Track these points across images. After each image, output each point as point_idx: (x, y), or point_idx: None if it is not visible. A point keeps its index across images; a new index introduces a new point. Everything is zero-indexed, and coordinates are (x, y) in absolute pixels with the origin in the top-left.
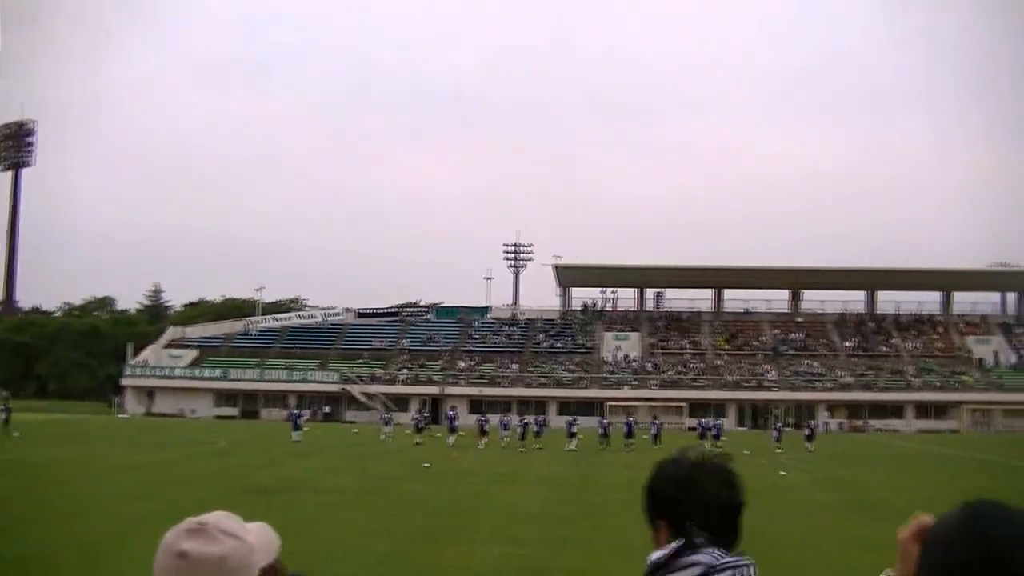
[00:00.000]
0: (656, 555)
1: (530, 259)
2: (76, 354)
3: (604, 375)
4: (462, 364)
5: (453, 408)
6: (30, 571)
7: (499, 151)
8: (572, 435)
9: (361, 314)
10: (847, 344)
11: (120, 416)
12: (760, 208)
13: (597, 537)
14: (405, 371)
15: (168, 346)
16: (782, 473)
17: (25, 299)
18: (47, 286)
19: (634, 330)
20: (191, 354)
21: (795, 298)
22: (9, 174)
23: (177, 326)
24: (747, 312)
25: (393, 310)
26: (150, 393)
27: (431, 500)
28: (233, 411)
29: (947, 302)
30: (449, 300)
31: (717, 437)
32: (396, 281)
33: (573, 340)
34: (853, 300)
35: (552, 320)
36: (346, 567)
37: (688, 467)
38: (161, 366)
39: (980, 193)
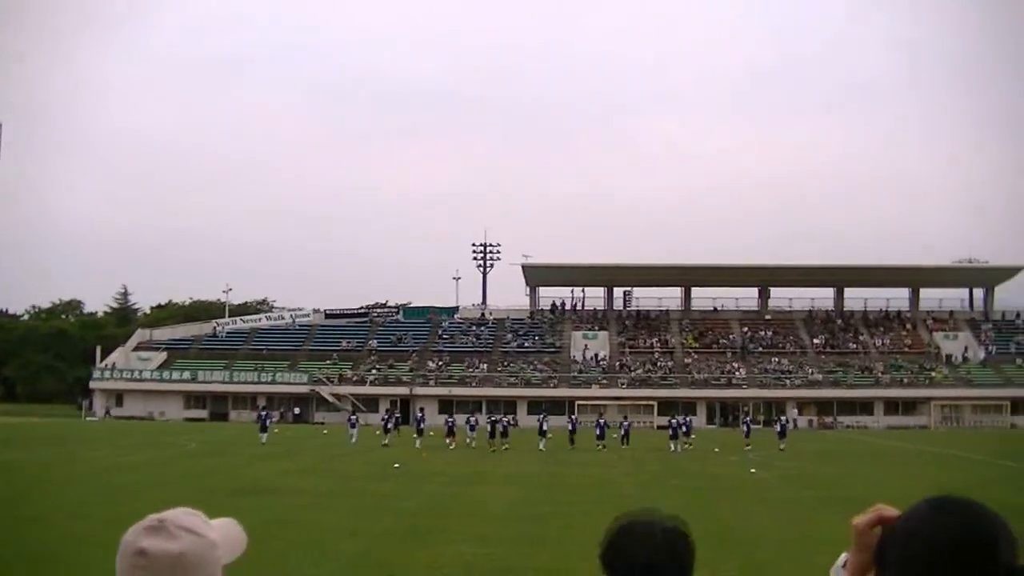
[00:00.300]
0: None
1: (498, 259)
2: (44, 357)
3: (573, 374)
4: (431, 364)
5: (421, 410)
6: None
7: (466, 150)
8: (543, 434)
9: (329, 315)
10: (816, 341)
11: (89, 419)
12: (729, 206)
13: (567, 536)
14: (374, 372)
15: (136, 349)
16: (752, 471)
17: None
18: (14, 289)
19: (603, 329)
20: (160, 356)
21: (763, 296)
22: None
23: (145, 328)
24: (716, 310)
25: (362, 311)
26: (119, 396)
27: (401, 500)
28: (202, 413)
29: (915, 298)
30: (417, 300)
31: (687, 434)
32: (364, 281)
33: (542, 339)
34: (821, 297)
35: (521, 320)
36: (316, 568)
37: (614, 533)
38: (130, 369)
39: (946, 190)
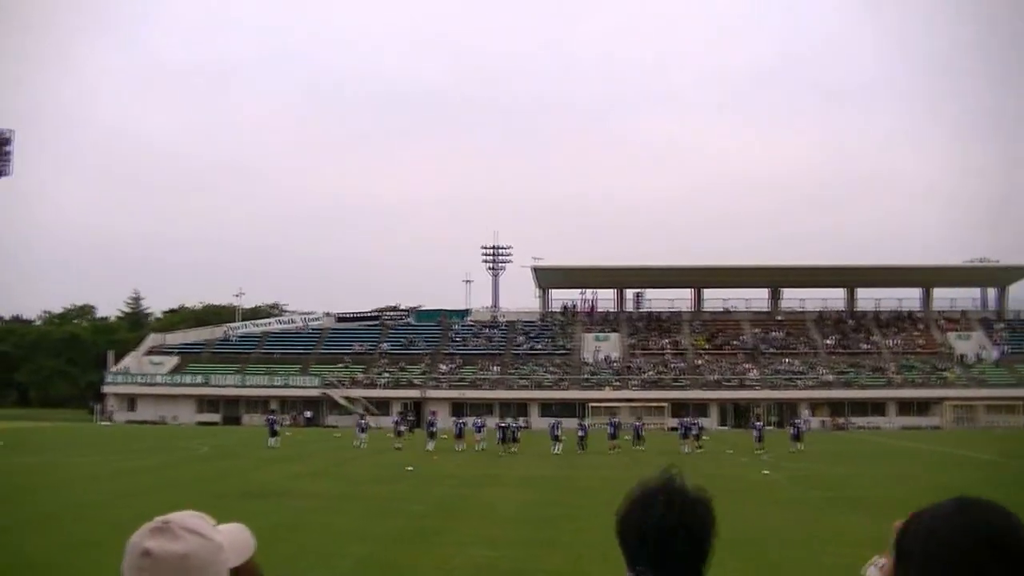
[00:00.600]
0: None
1: (509, 261)
2: (56, 362)
3: (585, 376)
4: (443, 367)
5: (433, 413)
6: None
7: (476, 154)
8: (556, 438)
9: (341, 318)
10: (827, 342)
11: (101, 423)
12: (738, 207)
13: (579, 539)
14: (386, 375)
15: (149, 353)
16: (764, 472)
17: (4, 308)
18: (27, 295)
19: (614, 331)
20: (172, 361)
21: (775, 297)
22: None
23: (157, 333)
24: (727, 311)
25: (373, 314)
26: (131, 400)
27: (411, 503)
28: (215, 417)
29: (927, 298)
30: (429, 303)
31: (698, 437)
32: (375, 285)
33: (553, 342)
34: (832, 298)
35: (532, 322)
36: (326, 571)
37: (629, 499)
38: (142, 373)
39: (958, 188)
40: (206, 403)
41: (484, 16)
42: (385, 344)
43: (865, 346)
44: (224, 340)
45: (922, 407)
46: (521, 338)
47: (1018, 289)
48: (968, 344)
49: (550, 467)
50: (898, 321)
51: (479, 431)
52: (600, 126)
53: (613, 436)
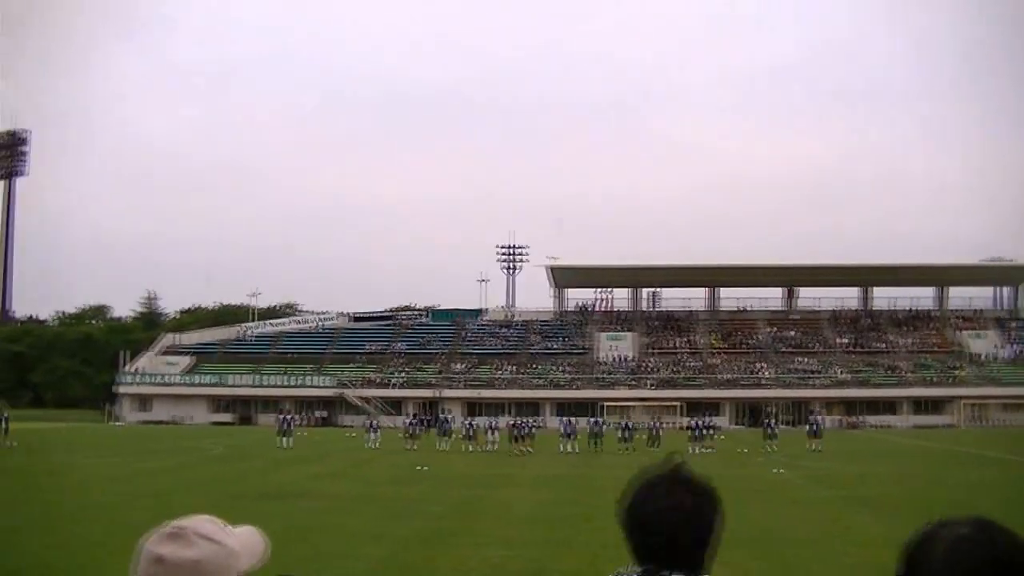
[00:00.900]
0: None
1: (524, 261)
2: (71, 363)
3: (599, 376)
4: (457, 367)
5: (443, 411)
6: None
7: (492, 152)
8: (568, 436)
9: (356, 318)
10: (842, 341)
11: (116, 424)
12: (753, 206)
13: (596, 539)
14: (400, 375)
15: (163, 353)
16: (778, 471)
17: (20, 308)
18: (42, 295)
19: (629, 330)
20: (186, 361)
21: (790, 296)
22: (2, 184)
23: (172, 333)
24: (742, 310)
25: (388, 314)
26: (145, 400)
27: (427, 504)
28: (229, 417)
29: (941, 297)
30: (444, 303)
31: (711, 436)
32: (390, 284)
33: (568, 341)
34: (848, 297)
35: (547, 321)
36: (341, 572)
37: (632, 487)
38: (156, 373)
39: (973, 186)
40: (220, 403)
41: (486, 16)
42: (400, 344)
43: (880, 345)
44: (238, 340)
45: (936, 405)
46: (536, 337)
47: None
48: (982, 343)
49: (564, 466)
50: (913, 320)
51: (492, 432)
52: (620, 126)
53: (626, 439)
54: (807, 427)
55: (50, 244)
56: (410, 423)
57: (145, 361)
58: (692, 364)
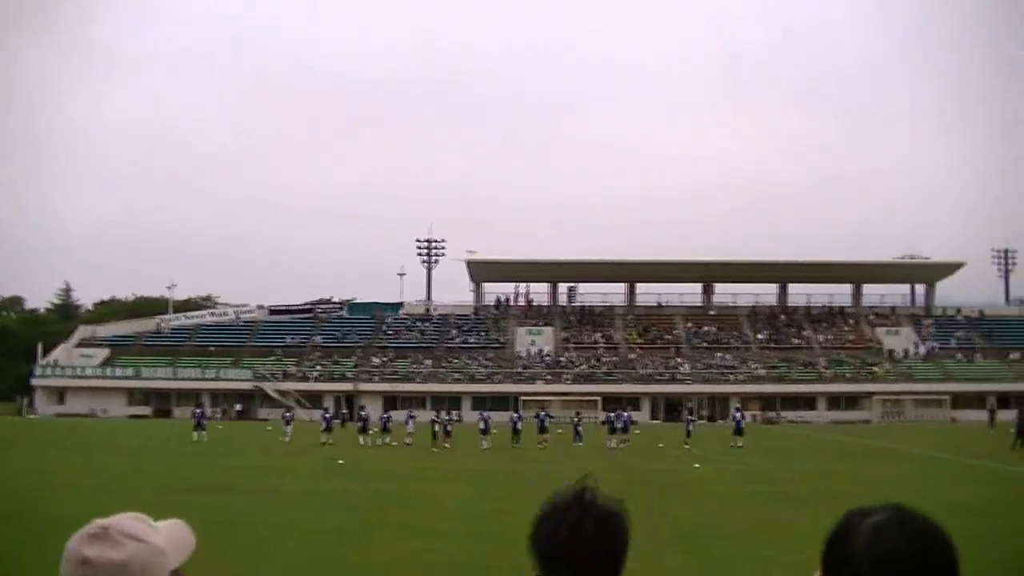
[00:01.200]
0: None
1: (443, 255)
2: None
3: (518, 370)
4: (376, 360)
5: (363, 407)
6: None
7: (412, 147)
8: (485, 432)
9: (274, 311)
10: (759, 337)
11: (31, 417)
12: (673, 205)
13: (514, 533)
14: (318, 368)
15: (79, 345)
16: (696, 466)
17: None
18: None
19: (547, 325)
20: (102, 353)
21: (707, 291)
22: None
23: (88, 325)
24: (660, 306)
25: (306, 307)
26: (61, 393)
27: (348, 497)
28: (146, 410)
29: (857, 294)
30: (362, 296)
31: (625, 430)
32: (309, 277)
33: (486, 335)
34: (764, 293)
35: (465, 316)
36: (267, 566)
37: (539, 515)
38: (72, 366)
39: (891, 185)
40: (137, 396)
41: (424, 6)
42: (318, 337)
43: (796, 341)
44: (156, 333)
45: (851, 401)
46: (454, 332)
47: (946, 286)
48: (897, 339)
49: (484, 461)
50: (829, 316)
51: (408, 423)
52: (541, 123)
53: (542, 430)
54: (732, 423)
55: None
56: (325, 417)
57: (61, 353)
58: (610, 359)
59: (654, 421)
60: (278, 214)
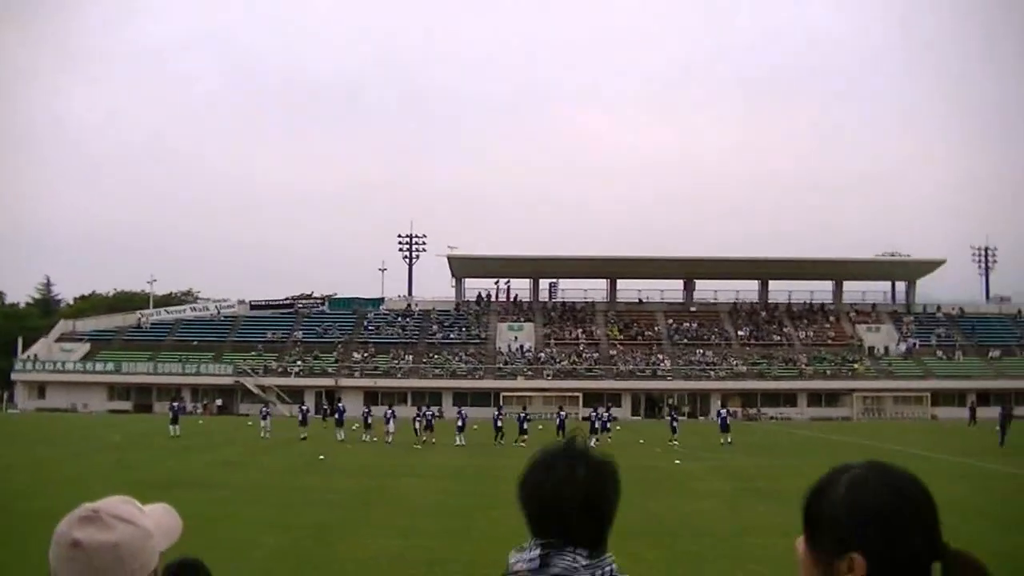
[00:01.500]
0: (513, 560)
1: (424, 250)
2: None
3: (499, 366)
4: (356, 356)
5: (339, 400)
6: None
7: (393, 142)
8: (461, 429)
9: (255, 306)
10: (740, 333)
11: (11, 412)
12: (655, 202)
13: (493, 529)
14: (299, 363)
15: (59, 340)
16: (677, 462)
17: None
18: None
19: (528, 320)
20: (83, 348)
21: (688, 288)
22: None
23: (68, 319)
24: (641, 302)
25: (287, 302)
26: (41, 388)
27: (326, 494)
28: (126, 405)
29: (838, 291)
30: (343, 291)
31: (606, 429)
32: (290, 272)
33: (467, 331)
34: (746, 290)
35: (446, 311)
36: (241, 562)
37: (531, 462)
38: (52, 360)
39: (872, 183)
40: (117, 391)
41: (392, 6)
42: (299, 332)
43: (777, 338)
44: (136, 327)
45: (832, 398)
46: (435, 327)
47: (926, 283)
48: (878, 336)
49: (465, 457)
50: (810, 313)
51: (389, 421)
52: (521, 118)
53: (522, 431)
54: (717, 420)
55: None
56: (301, 412)
57: (41, 348)
58: (591, 355)
59: (635, 417)
60: (259, 209)
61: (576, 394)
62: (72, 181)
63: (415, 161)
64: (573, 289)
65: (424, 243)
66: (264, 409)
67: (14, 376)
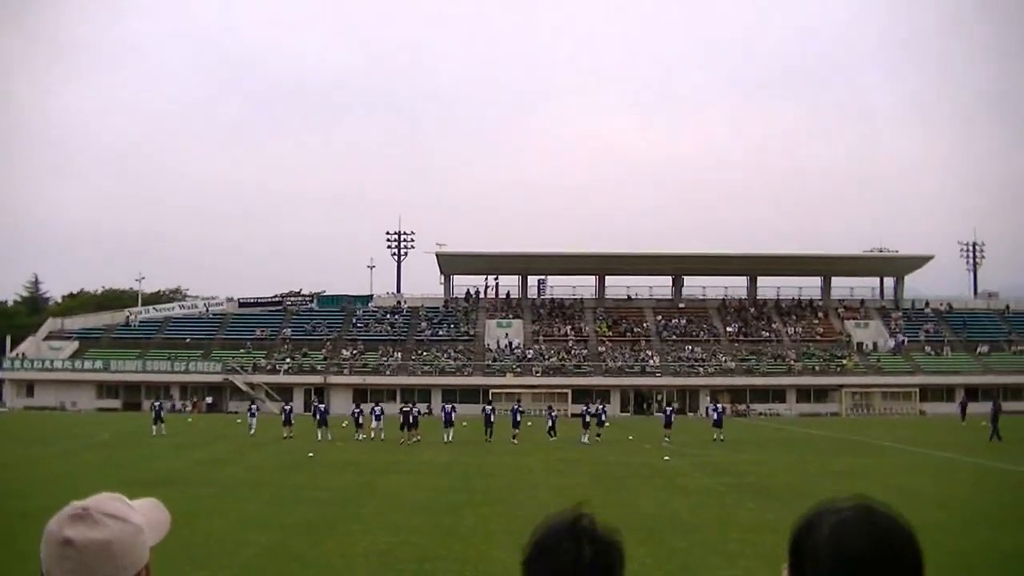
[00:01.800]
0: None
1: (412, 247)
2: None
3: (488, 363)
4: (345, 353)
5: (322, 401)
6: None
7: (381, 139)
8: (448, 425)
9: (243, 303)
10: (729, 330)
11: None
12: (644, 196)
13: (482, 525)
14: (288, 361)
15: (47, 338)
16: (666, 458)
17: None
18: None
19: (517, 317)
20: (71, 346)
21: (677, 284)
22: None
23: (56, 317)
24: (629, 299)
25: (275, 299)
26: (30, 386)
27: (314, 491)
28: (115, 403)
29: (826, 287)
30: (332, 289)
31: (600, 423)
32: (278, 270)
33: (456, 328)
34: (734, 286)
35: (435, 308)
36: (230, 560)
37: (534, 541)
38: (40, 358)
39: (860, 179)
40: (106, 389)
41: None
42: (287, 330)
43: (766, 334)
44: (125, 325)
45: (821, 394)
46: (424, 324)
47: (914, 279)
48: (866, 332)
49: (453, 454)
50: (798, 309)
51: (378, 419)
52: (510, 115)
53: (515, 424)
54: (712, 416)
55: None
56: (285, 409)
57: (29, 346)
58: (580, 352)
59: (623, 414)
60: (247, 206)
61: (565, 391)
62: (60, 179)
63: (403, 159)
64: (562, 286)
65: (412, 240)
66: (252, 407)
67: (2, 374)
